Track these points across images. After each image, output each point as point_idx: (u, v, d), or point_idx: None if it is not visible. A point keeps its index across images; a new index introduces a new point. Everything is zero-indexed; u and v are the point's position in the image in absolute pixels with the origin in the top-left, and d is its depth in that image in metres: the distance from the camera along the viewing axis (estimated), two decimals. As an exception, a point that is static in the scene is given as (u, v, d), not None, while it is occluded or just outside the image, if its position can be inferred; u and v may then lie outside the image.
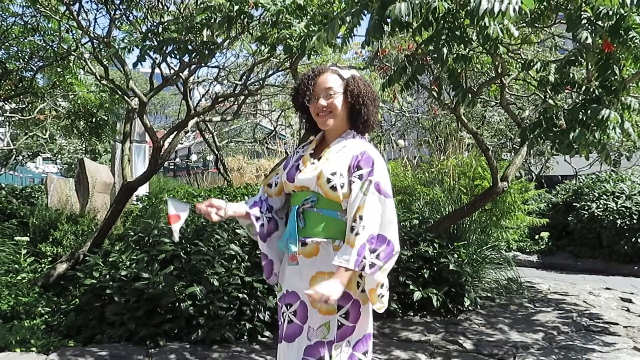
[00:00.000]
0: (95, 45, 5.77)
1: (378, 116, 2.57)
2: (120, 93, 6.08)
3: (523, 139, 4.83)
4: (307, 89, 2.40)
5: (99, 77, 6.08)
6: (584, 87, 3.56)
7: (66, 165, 21.94)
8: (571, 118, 3.34)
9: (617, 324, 5.13)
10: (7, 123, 11.85)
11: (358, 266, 2.17)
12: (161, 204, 7.54)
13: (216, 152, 9.91)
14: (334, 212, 2.33)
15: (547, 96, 4.99)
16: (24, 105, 10.36)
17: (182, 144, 20.38)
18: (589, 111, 3.24)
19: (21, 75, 8.56)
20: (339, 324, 2.30)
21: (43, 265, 6.14)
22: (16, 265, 5.73)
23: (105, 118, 9.89)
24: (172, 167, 30.53)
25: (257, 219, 2.47)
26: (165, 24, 4.87)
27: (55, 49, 7.06)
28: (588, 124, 3.25)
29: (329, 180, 2.30)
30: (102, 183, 9.42)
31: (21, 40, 7.50)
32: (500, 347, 4.47)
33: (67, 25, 6.33)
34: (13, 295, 5.19)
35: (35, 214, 6.94)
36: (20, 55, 7.99)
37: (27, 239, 6.07)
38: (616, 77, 3.32)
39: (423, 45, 3.61)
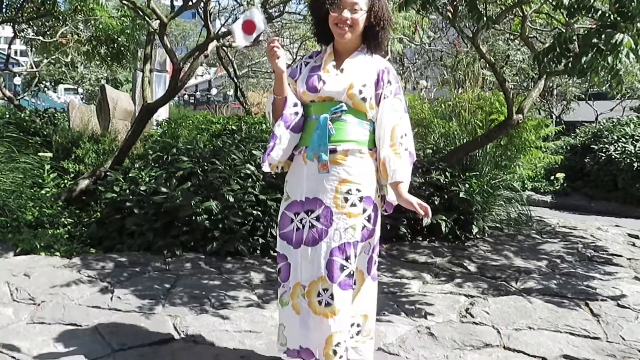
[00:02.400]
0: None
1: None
2: (141, 14, 6.11)
3: (541, 72, 4.83)
4: None
5: (120, -1, 6.10)
6: (599, 12, 3.53)
7: (87, 93, 22.16)
8: (585, 43, 3.34)
9: (621, 256, 5.22)
10: (30, 47, 11.96)
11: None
12: (180, 128, 7.68)
13: (235, 81, 9.96)
14: (361, 121, 2.49)
15: (568, 27, 4.94)
16: (46, 29, 10.44)
17: (201, 76, 20.44)
18: (602, 36, 3.24)
19: (43, -3, 8.62)
20: (363, 225, 2.47)
21: (66, 181, 6.34)
22: (40, 180, 5.92)
23: (127, 44, 9.95)
24: (192, 100, 30.68)
25: (296, 104, 2.53)
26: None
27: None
28: (601, 49, 3.26)
29: (360, 92, 2.45)
30: (122, 110, 9.55)
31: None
32: (503, 271, 4.62)
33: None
34: (37, 208, 5.41)
35: (58, 133, 7.12)
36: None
37: (50, 155, 6.26)
38: (633, 2, 3.30)
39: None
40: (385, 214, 2.68)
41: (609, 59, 3.26)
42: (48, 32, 10.51)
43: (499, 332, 3.37)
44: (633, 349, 3.20)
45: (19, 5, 8.97)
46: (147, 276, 4.12)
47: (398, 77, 2.57)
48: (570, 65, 3.39)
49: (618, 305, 3.89)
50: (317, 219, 2.44)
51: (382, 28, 2.52)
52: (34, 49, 12.25)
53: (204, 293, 3.83)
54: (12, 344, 2.96)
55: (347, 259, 2.42)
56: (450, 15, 4.44)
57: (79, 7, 9.27)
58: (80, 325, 3.26)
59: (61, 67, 16.26)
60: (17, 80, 23.56)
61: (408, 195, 2.45)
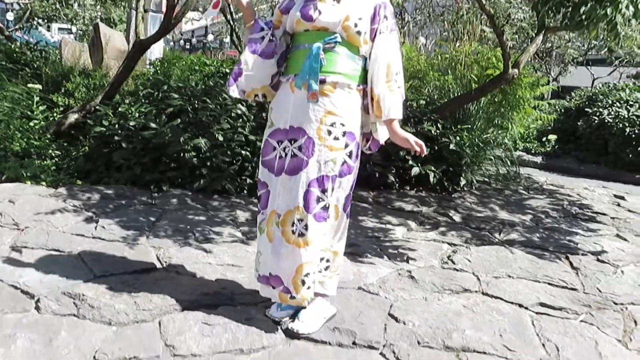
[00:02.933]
0: None
1: None
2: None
3: (539, 25, 4.77)
4: None
5: None
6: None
7: (81, 32, 21.74)
8: (585, -8, 3.29)
9: (605, 214, 5.28)
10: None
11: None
12: (173, 68, 7.57)
13: (232, 24, 9.78)
14: (353, 55, 2.46)
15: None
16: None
17: (198, 20, 20.10)
18: (604, -15, 3.19)
19: None
20: (343, 161, 2.45)
21: (55, 114, 6.26)
22: (28, 112, 5.84)
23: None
24: (188, 46, 30.22)
25: (262, 29, 2.53)
26: None
27: None
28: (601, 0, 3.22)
29: (356, 25, 2.41)
30: (116, 49, 9.38)
31: None
32: (487, 223, 4.66)
33: None
34: (25, 139, 5.35)
35: (48, 66, 7.00)
36: None
37: (40, 87, 6.17)
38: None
39: None
40: (369, 152, 2.69)
41: (608, 10, 3.21)
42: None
43: (478, 278, 3.42)
44: (608, 300, 3.26)
45: None
46: (133, 209, 4.13)
47: (394, 13, 2.53)
48: (568, 16, 3.34)
49: (598, 260, 3.95)
50: (300, 148, 2.43)
51: None
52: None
53: (188, 227, 3.85)
54: (-6, 265, 2.98)
55: (324, 191, 2.42)
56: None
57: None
58: (63, 252, 3.27)
59: (55, 3, 15.89)
60: (10, 16, 23.07)
61: (403, 132, 2.46)
